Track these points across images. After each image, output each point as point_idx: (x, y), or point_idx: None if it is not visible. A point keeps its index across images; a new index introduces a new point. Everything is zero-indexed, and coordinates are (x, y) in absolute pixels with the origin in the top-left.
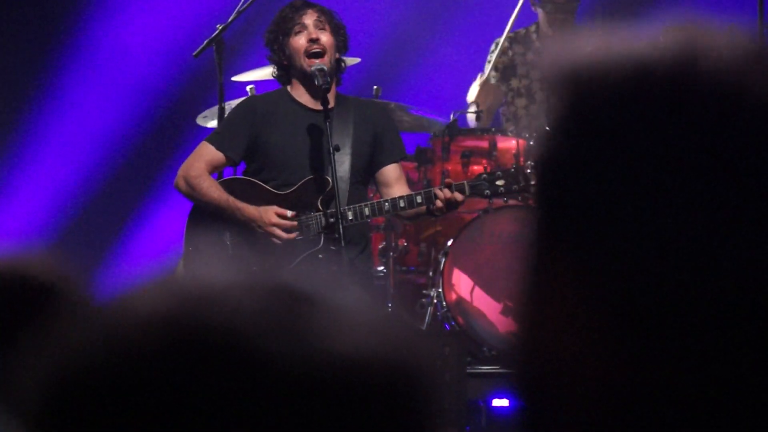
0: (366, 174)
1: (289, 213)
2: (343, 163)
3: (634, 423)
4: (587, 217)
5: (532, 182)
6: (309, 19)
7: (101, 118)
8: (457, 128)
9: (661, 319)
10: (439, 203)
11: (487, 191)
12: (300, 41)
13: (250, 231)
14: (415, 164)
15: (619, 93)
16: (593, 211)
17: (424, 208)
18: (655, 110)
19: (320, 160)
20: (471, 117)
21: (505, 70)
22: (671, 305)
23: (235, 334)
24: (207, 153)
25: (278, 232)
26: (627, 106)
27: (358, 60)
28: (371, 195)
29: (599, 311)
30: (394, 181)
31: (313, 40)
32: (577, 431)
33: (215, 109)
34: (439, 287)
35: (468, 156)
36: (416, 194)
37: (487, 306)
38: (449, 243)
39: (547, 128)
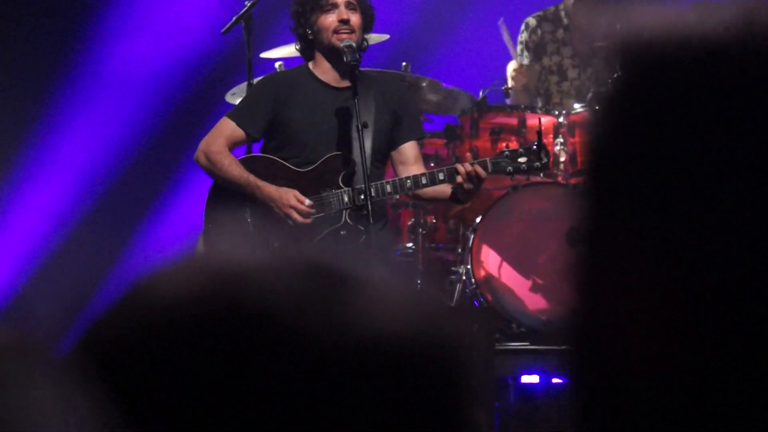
0: (385, 152)
1: (307, 201)
2: (365, 141)
3: (691, 404)
4: (644, 194)
5: (561, 159)
6: None
7: (130, 95)
8: (486, 105)
9: (721, 302)
10: (460, 179)
11: (510, 168)
12: (329, 19)
13: (270, 210)
14: (444, 141)
15: (682, 67)
16: (651, 188)
17: (447, 190)
18: (718, 87)
19: (341, 137)
20: (511, 92)
21: (536, 48)
22: (732, 288)
23: (267, 313)
24: (227, 129)
25: (294, 215)
26: (689, 81)
27: (386, 36)
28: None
29: (658, 290)
30: (413, 161)
31: (344, 21)
32: (631, 411)
33: (244, 86)
34: (467, 264)
35: (497, 133)
36: (438, 171)
37: (516, 283)
38: (478, 220)
39: (600, 102)
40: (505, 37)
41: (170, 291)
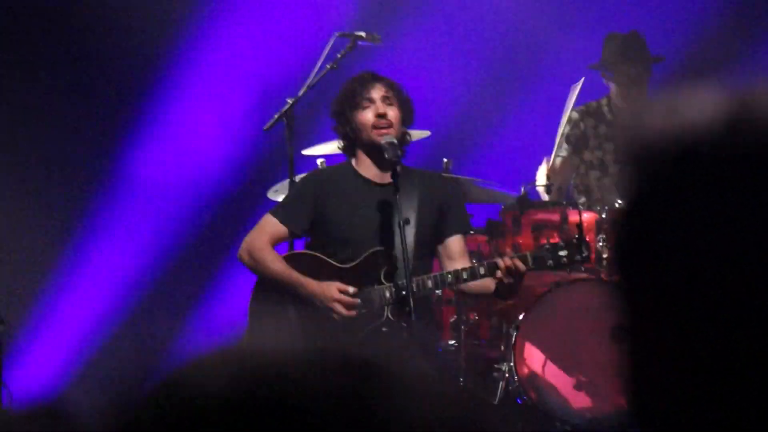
0: (430, 247)
1: (351, 289)
2: (407, 236)
3: None
4: (673, 287)
5: (604, 255)
6: (377, 93)
7: (172, 189)
8: (528, 201)
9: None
10: (500, 273)
11: (550, 262)
12: (367, 116)
13: (313, 307)
14: (486, 237)
15: (693, 166)
16: (678, 282)
17: (491, 286)
18: (729, 182)
19: (384, 233)
20: (541, 190)
21: (577, 142)
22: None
23: (304, 406)
24: (270, 226)
25: (339, 308)
26: (704, 177)
27: (428, 133)
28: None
29: (697, 375)
30: (458, 255)
31: (381, 116)
32: None
33: (286, 182)
34: (510, 361)
35: (539, 229)
36: (479, 265)
37: (560, 380)
38: (521, 316)
39: (622, 201)
40: (573, 97)
41: (207, 379)
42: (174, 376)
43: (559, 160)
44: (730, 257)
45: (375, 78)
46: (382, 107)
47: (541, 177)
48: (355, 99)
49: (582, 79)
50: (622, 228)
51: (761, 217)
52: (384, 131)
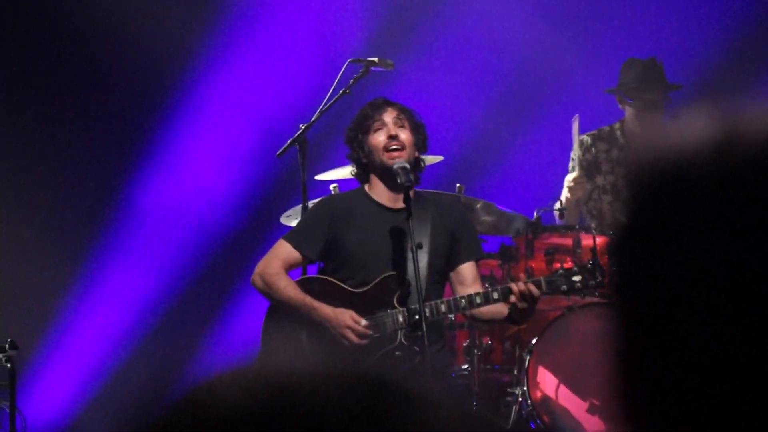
0: (443, 272)
1: (363, 322)
2: (420, 261)
3: None
4: (674, 310)
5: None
6: (388, 116)
7: (186, 215)
8: (541, 226)
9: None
10: (514, 298)
11: (564, 287)
12: (379, 138)
13: (326, 331)
14: (499, 262)
15: (698, 189)
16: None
17: (504, 311)
18: (733, 207)
19: (397, 258)
20: (556, 214)
21: (589, 167)
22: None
23: (314, 423)
24: (284, 251)
25: (350, 335)
26: (705, 202)
27: (440, 158)
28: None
29: (701, 400)
30: (471, 281)
31: (393, 137)
32: None
33: (299, 208)
34: (524, 385)
35: (552, 253)
36: (492, 290)
37: (573, 404)
38: (534, 341)
39: (624, 222)
40: (575, 133)
41: (223, 397)
42: (187, 397)
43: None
44: (730, 278)
45: (387, 102)
46: (393, 129)
47: (568, 181)
48: (367, 122)
49: (576, 115)
50: (621, 250)
51: (763, 243)
52: (396, 154)
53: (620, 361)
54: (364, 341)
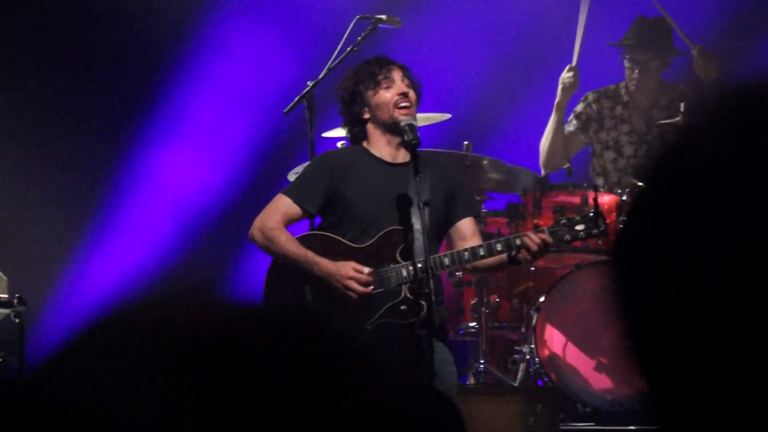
0: (442, 229)
1: (366, 270)
2: (422, 217)
3: None
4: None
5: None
6: (396, 74)
7: (193, 173)
8: (549, 183)
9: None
10: (532, 247)
11: (567, 236)
12: (388, 94)
13: (329, 287)
14: (507, 220)
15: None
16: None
17: (506, 257)
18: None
19: (399, 213)
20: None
21: (587, 120)
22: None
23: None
24: (284, 205)
25: (354, 285)
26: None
27: (448, 116)
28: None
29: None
30: (470, 236)
31: (403, 94)
32: None
33: (307, 164)
34: (531, 343)
35: (559, 211)
36: (496, 242)
37: (581, 362)
38: (541, 299)
39: (638, 183)
40: (582, 18)
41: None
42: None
43: (565, 132)
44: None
45: (391, 62)
46: (403, 87)
47: (564, 76)
48: (374, 79)
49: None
50: (632, 211)
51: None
52: (405, 111)
53: (625, 318)
54: (368, 290)
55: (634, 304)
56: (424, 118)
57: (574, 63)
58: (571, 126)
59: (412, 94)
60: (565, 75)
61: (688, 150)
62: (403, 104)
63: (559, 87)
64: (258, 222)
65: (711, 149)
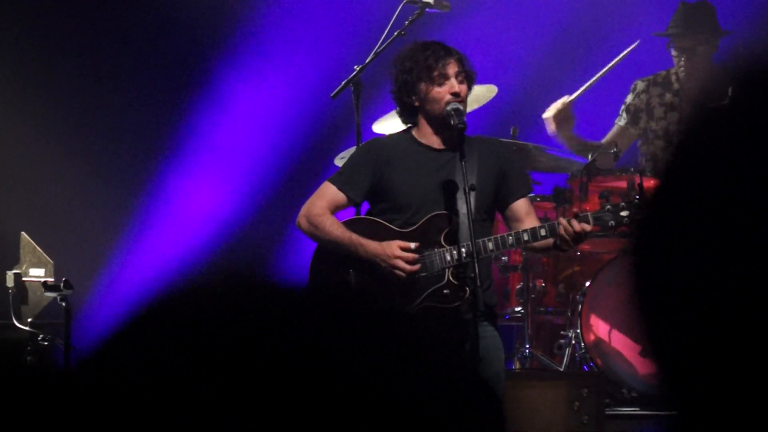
0: (490, 211)
1: (413, 245)
2: (467, 202)
3: None
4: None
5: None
6: (452, 69)
7: (241, 159)
8: (596, 168)
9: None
10: (564, 236)
11: (612, 222)
12: (442, 92)
13: (374, 269)
14: (554, 204)
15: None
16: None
17: (551, 242)
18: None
19: (445, 199)
20: (551, 128)
21: (636, 112)
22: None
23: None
24: (329, 193)
25: (401, 264)
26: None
27: (494, 90)
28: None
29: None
30: (524, 216)
31: (455, 94)
32: None
33: (353, 149)
34: (577, 328)
35: (606, 196)
36: (540, 227)
37: (626, 347)
38: (587, 284)
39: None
40: (622, 55)
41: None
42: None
43: (614, 129)
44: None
45: (448, 52)
46: (456, 85)
47: (550, 110)
48: (431, 73)
49: (637, 42)
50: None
51: None
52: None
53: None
54: (416, 267)
55: (659, 297)
56: (472, 99)
57: (573, 97)
58: (622, 120)
59: (464, 90)
60: (557, 106)
61: (730, 133)
62: (454, 102)
63: (550, 122)
64: (304, 210)
65: (756, 131)
